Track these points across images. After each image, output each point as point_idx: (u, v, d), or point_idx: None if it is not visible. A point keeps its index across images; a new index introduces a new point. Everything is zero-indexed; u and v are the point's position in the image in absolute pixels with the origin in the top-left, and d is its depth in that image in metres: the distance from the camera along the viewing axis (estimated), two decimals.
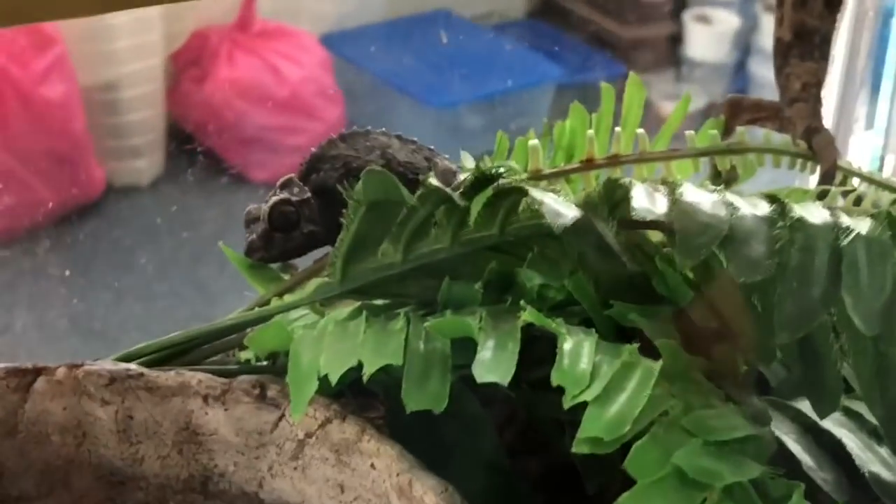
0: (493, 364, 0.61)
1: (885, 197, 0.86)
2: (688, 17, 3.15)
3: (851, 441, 0.70)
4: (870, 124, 1.11)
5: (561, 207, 0.63)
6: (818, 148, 0.87)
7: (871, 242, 0.60)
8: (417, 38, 3.13)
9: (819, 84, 0.91)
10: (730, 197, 0.63)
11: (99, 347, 2.28)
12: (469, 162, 0.79)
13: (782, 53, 0.93)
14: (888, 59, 1.09)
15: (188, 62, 2.96)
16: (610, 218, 0.66)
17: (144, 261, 2.55)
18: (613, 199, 0.66)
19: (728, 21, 3.07)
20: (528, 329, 0.63)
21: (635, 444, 0.57)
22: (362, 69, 3.02)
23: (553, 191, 0.65)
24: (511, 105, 3.00)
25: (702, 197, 0.62)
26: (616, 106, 0.89)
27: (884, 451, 0.71)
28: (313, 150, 0.81)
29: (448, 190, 0.65)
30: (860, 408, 0.72)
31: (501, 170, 0.66)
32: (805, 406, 0.72)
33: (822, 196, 0.84)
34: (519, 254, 0.69)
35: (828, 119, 1.08)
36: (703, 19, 3.13)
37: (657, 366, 0.60)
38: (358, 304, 0.70)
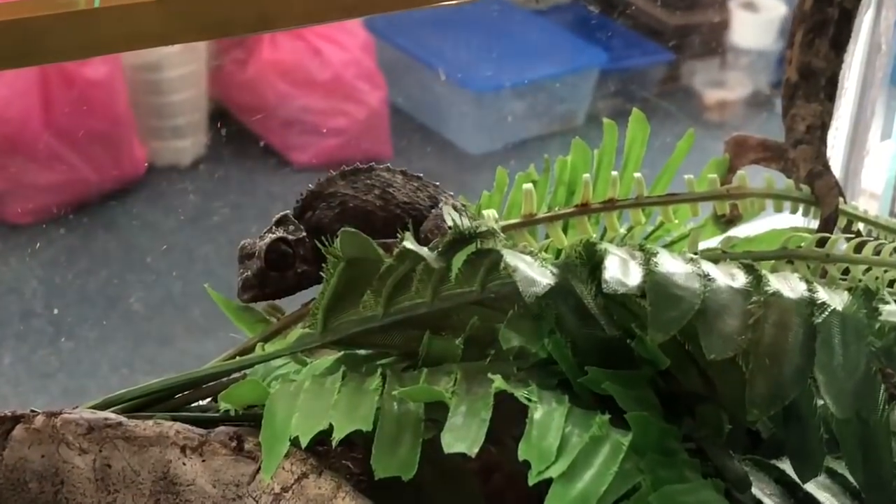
0: (463, 432, 0.60)
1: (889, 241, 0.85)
2: (734, 4, 3.11)
3: None
4: (887, 134, 1.09)
5: (535, 274, 0.62)
6: (820, 193, 0.86)
7: (847, 319, 0.59)
8: (462, 21, 3.11)
9: (824, 126, 0.90)
10: (705, 267, 0.62)
11: (129, 329, 2.30)
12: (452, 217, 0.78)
13: (789, 94, 0.92)
14: None
15: (231, 43, 2.97)
16: (589, 280, 0.65)
17: (185, 239, 2.56)
18: (593, 261, 0.65)
19: (774, 8, 3.03)
20: None
21: None
22: (405, 52, 3.01)
23: (530, 253, 0.65)
24: (554, 90, 2.98)
25: (676, 267, 0.61)
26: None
27: None
28: (310, 186, 0.80)
29: (424, 252, 0.65)
30: (844, 470, 0.71)
31: (479, 229, 0.65)
32: (790, 466, 0.71)
33: (821, 242, 0.83)
34: (501, 308, 0.68)
35: (844, 128, 1.07)
36: (750, 6, 3.09)
37: (627, 439, 0.60)
38: (339, 354, 0.70)
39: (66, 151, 2.63)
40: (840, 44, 0.91)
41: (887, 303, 0.60)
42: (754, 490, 0.68)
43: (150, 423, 0.69)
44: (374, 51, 2.94)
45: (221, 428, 0.69)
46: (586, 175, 0.82)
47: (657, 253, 0.62)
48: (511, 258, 0.63)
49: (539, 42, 3.07)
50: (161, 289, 2.44)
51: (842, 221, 0.87)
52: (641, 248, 0.63)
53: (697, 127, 0.88)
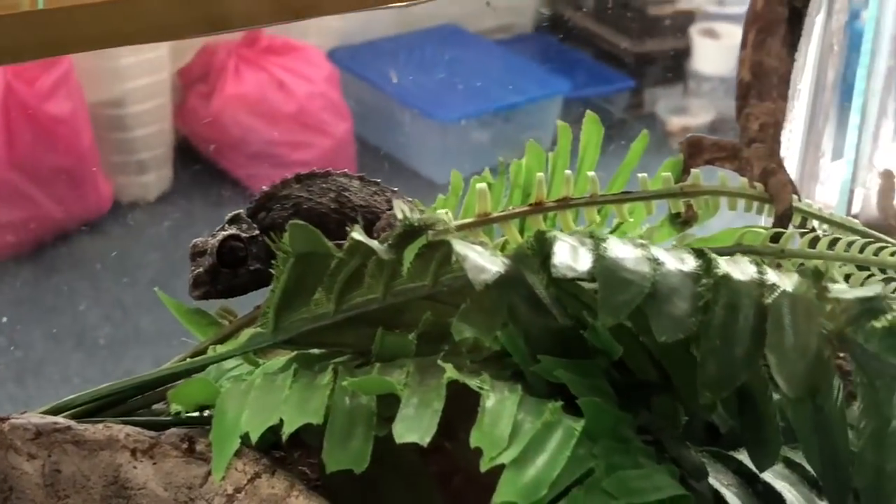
0: (415, 422, 0.60)
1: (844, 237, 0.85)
2: (695, 31, 3.14)
3: (791, 493, 0.69)
4: (838, 155, 1.10)
5: (484, 262, 0.62)
6: (774, 190, 0.86)
7: (797, 299, 0.59)
8: (425, 52, 3.12)
9: (777, 125, 0.90)
10: (655, 252, 0.62)
11: (104, 358, 2.29)
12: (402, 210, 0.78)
13: (742, 94, 0.92)
14: (855, 90, 1.08)
15: (195, 77, 2.96)
16: (541, 270, 0.65)
17: (152, 274, 2.55)
18: (544, 251, 0.65)
19: (735, 35, 3.04)
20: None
21: None
22: (370, 84, 3.02)
23: (481, 243, 0.64)
24: (518, 119, 2.99)
25: (626, 252, 0.61)
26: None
27: None
28: (265, 188, 0.80)
29: (373, 244, 0.64)
30: (802, 459, 0.71)
31: (430, 221, 0.65)
32: (748, 456, 0.71)
33: (776, 238, 0.83)
34: (454, 303, 0.68)
35: (795, 150, 1.08)
36: (710, 33, 3.11)
37: (579, 425, 0.59)
38: (291, 354, 0.69)
39: (30, 188, 2.61)
40: (791, 43, 0.92)
41: (836, 282, 0.60)
42: (711, 480, 0.68)
43: (100, 426, 0.68)
44: (339, 82, 2.94)
45: (172, 430, 0.68)
46: (540, 174, 0.82)
47: (606, 238, 0.62)
48: (461, 247, 0.62)
49: (502, 71, 3.08)
50: (129, 324, 2.43)
51: (796, 219, 0.87)
52: (591, 235, 0.63)
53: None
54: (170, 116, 2.89)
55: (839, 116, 1.09)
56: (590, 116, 0.88)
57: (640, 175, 0.85)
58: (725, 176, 0.87)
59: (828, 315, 0.61)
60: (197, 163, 2.90)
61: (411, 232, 0.65)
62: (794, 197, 0.87)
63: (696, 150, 0.91)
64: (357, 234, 0.64)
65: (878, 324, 0.61)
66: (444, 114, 2.90)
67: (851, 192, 1.11)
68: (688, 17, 3.20)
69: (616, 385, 0.66)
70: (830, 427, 0.65)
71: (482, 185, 0.81)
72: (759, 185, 0.88)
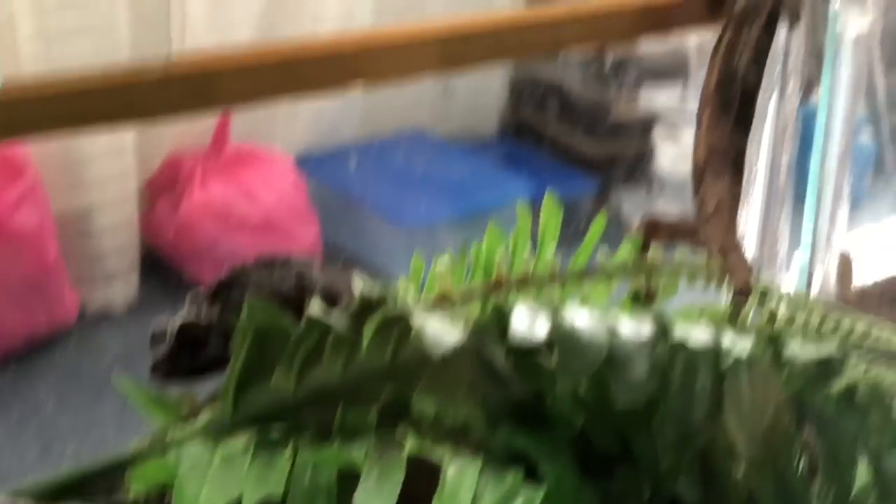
0: (376, 494, 0.60)
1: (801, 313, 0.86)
2: (657, 134, 3.18)
3: None
4: (795, 238, 1.12)
5: (442, 334, 0.62)
6: (731, 267, 0.87)
7: (753, 363, 0.60)
8: (391, 157, 3.15)
9: (733, 203, 0.91)
10: (611, 318, 0.62)
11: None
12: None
13: (698, 174, 0.94)
14: (810, 173, 1.09)
15: (162, 187, 2.97)
16: (500, 341, 0.65)
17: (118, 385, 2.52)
18: (503, 322, 0.65)
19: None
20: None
21: None
22: (336, 190, 3.04)
23: (439, 317, 0.65)
24: (485, 223, 3.01)
25: (583, 320, 0.61)
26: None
27: None
28: (224, 272, 0.80)
29: (331, 320, 0.64)
30: None
31: (388, 295, 0.65)
32: None
33: (734, 314, 0.84)
34: (413, 379, 0.68)
35: (752, 234, 1.09)
36: (673, 136, 3.15)
37: (540, 493, 0.59)
38: (250, 435, 0.69)
39: None
40: (744, 122, 0.94)
41: (790, 346, 0.61)
42: None
43: None
44: (305, 189, 2.96)
45: None
46: (500, 252, 0.82)
47: (564, 307, 0.62)
48: (419, 319, 0.63)
49: (468, 175, 3.10)
50: (95, 435, 2.40)
51: (754, 297, 0.88)
52: (549, 305, 0.63)
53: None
54: (136, 227, 2.90)
55: (795, 199, 1.11)
56: (548, 198, 0.89)
57: (600, 252, 0.85)
58: (684, 253, 0.88)
59: (784, 380, 0.62)
60: (164, 272, 2.90)
61: (369, 307, 0.65)
62: (752, 274, 0.88)
63: (653, 231, 0.92)
64: (315, 310, 0.64)
65: (834, 387, 0.61)
66: (410, 218, 2.91)
67: (810, 275, 1.12)
68: (650, 120, 3.24)
69: (578, 457, 0.66)
70: (792, 492, 0.65)
71: (443, 264, 0.81)
72: (716, 263, 0.88)
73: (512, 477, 0.59)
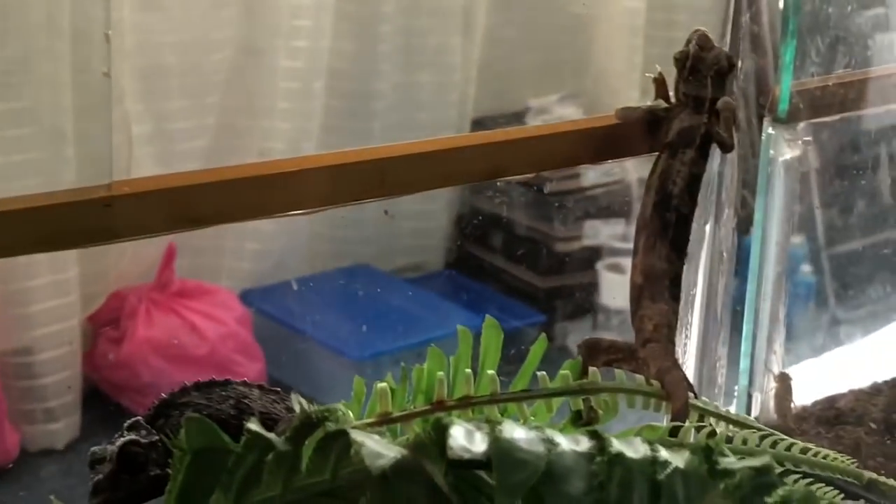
0: None
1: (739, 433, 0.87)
2: (601, 266, 3.21)
3: None
4: (734, 360, 1.13)
5: (381, 449, 0.62)
6: (670, 387, 0.88)
7: (689, 475, 0.60)
8: (337, 291, 3.16)
9: (671, 325, 0.93)
10: (549, 433, 0.62)
11: None
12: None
13: (636, 297, 0.95)
14: (747, 297, 1.11)
15: (105, 322, 2.96)
16: (439, 458, 0.65)
17: None
18: (441, 439, 0.65)
19: None
20: None
21: None
22: (282, 324, 3.03)
23: (378, 433, 0.65)
24: None
25: (521, 434, 0.62)
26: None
27: None
28: (164, 395, 0.81)
29: (271, 436, 0.64)
30: None
31: (328, 413, 0.65)
32: None
33: (673, 433, 0.84)
34: (353, 499, 0.68)
35: (691, 358, 1.10)
36: (616, 268, 3.18)
37: None
38: None
39: None
40: (679, 246, 0.96)
41: (726, 456, 0.61)
42: None
43: None
44: (251, 323, 2.95)
45: None
46: (441, 373, 0.83)
47: (502, 422, 0.63)
48: (359, 436, 0.63)
49: (414, 308, 3.11)
50: None
51: (693, 416, 0.89)
52: (487, 420, 0.64)
53: None
54: (79, 363, 2.87)
55: (732, 323, 1.12)
56: (489, 321, 0.91)
57: (539, 373, 0.86)
58: (622, 375, 0.89)
59: (721, 493, 0.62)
60: (106, 409, 2.87)
61: (309, 424, 0.65)
62: (691, 395, 0.89)
63: (593, 352, 0.93)
64: (254, 427, 0.64)
65: (770, 500, 0.62)
66: (356, 352, 2.91)
67: (749, 396, 1.13)
68: (594, 253, 3.28)
69: None
70: None
71: (383, 385, 0.82)
72: (655, 384, 0.89)
73: None
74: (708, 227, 1.07)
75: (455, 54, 3.26)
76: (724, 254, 1.07)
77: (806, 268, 2.26)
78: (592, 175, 3.27)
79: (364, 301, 3.14)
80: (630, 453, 0.62)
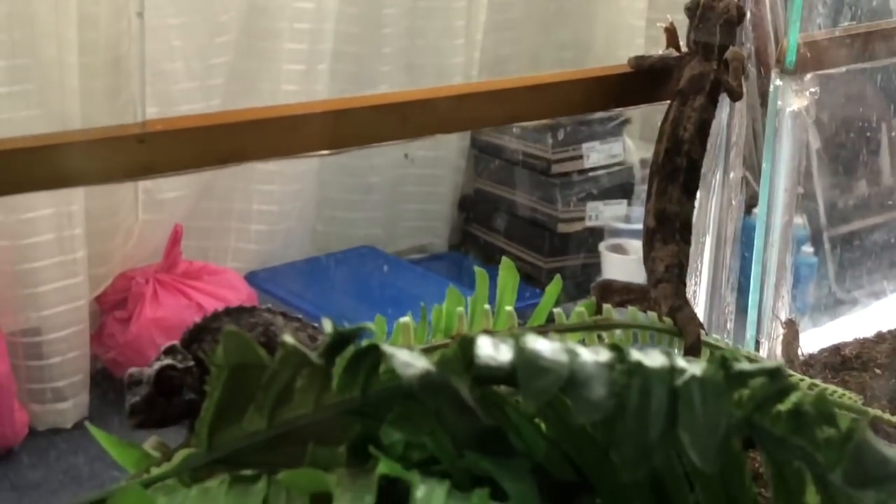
0: None
1: None
2: (603, 247, 3.24)
3: None
4: (742, 307, 1.15)
5: (411, 359, 0.65)
6: (682, 324, 0.91)
7: (706, 382, 0.63)
8: (342, 272, 3.18)
9: (681, 265, 0.95)
10: (571, 345, 0.65)
11: None
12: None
13: (648, 239, 0.98)
14: (755, 244, 1.13)
15: (113, 303, 2.98)
16: (465, 373, 0.68)
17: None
18: (468, 356, 0.68)
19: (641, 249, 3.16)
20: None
21: None
22: (288, 304, 3.06)
23: (408, 348, 0.67)
24: None
25: (544, 345, 0.64)
26: None
27: None
28: (197, 321, 0.83)
29: (305, 351, 0.67)
30: None
31: (359, 329, 0.68)
32: None
33: None
34: (381, 416, 0.70)
35: (701, 304, 1.13)
36: (619, 249, 3.21)
37: None
38: (224, 476, 0.71)
39: None
40: (690, 189, 0.98)
41: (740, 361, 0.64)
42: None
43: None
44: (257, 303, 2.97)
45: None
46: (460, 309, 0.85)
47: (526, 335, 0.66)
48: (389, 349, 0.66)
49: (418, 289, 3.14)
50: None
51: (705, 353, 0.92)
52: (511, 335, 0.66)
53: None
54: (87, 343, 2.90)
55: (741, 270, 1.14)
56: (505, 262, 0.93)
57: (556, 310, 0.89)
58: (636, 312, 0.92)
59: (735, 403, 0.65)
60: (114, 388, 2.89)
61: (341, 341, 0.68)
62: (702, 332, 0.91)
63: (607, 292, 0.96)
64: (290, 341, 0.67)
65: (783, 406, 0.64)
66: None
67: (757, 342, 1.16)
68: (597, 234, 3.31)
69: (539, 489, 0.69)
70: None
71: (405, 319, 0.84)
72: (668, 321, 0.92)
73: (478, 493, 0.62)
74: (717, 176, 1.09)
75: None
76: (733, 201, 1.09)
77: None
78: (595, 157, 3.29)
79: (369, 282, 3.16)
80: (649, 362, 0.64)
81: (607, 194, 3.32)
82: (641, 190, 3.25)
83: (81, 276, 2.84)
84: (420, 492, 0.62)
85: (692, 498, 0.70)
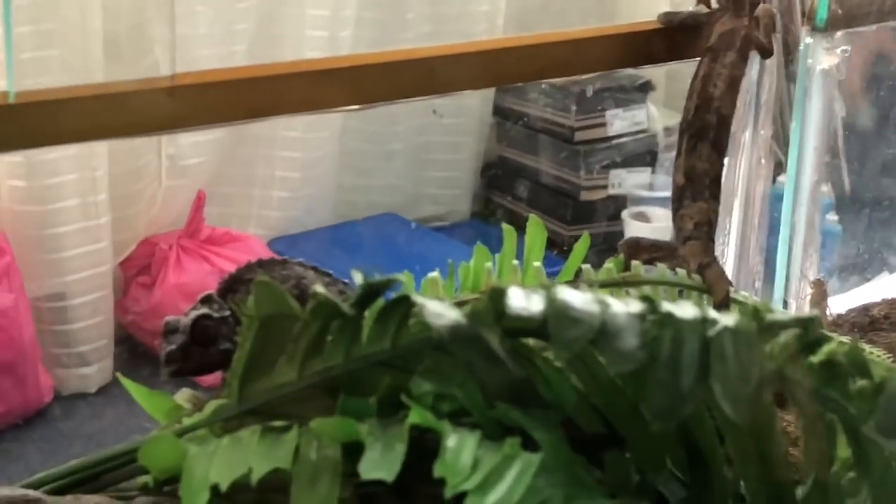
0: (380, 461, 0.62)
1: None
2: (626, 215, 3.23)
3: None
4: (770, 266, 1.15)
5: (442, 310, 0.65)
6: (710, 281, 0.91)
7: (738, 333, 0.63)
8: (364, 239, 3.18)
9: (710, 223, 0.95)
10: (602, 296, 0.65)
11: None
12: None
13: (677, 196, 0.97)
14: (784, 203, 1.12)
15: (137, 269, 3.00)
16: (495, 324, 0.68)
17: None
18: (498, 308, 0.68)
19: (664, 217, 3.15)
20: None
21: None
22: None
23: (439, 299, 0.67)
24: None
25: (575, 296, 0.64)
26: None
27: None
28: (232, 272, 0.83)
29: (336, 301, 0.67)
30: None
31: (389, 281, 0.68)
32: None
33: None
34: (412, 368, 0.70)
35: (729, 263, 1.12)
36: (641, 216, 3.21)
37: (537, 458, 0.62)
38: (256, 427, 0.71)
39: None
40: (720, 147, 0.98)
41: (773, 312, 0.64)
42: None
43: (69, 497, 0.69)
44: None
45: (141, 498, 0.69)
46: (488, 264, 0.85)
47: (556, 287, 0.66)
48: (420, 299, 0.66)
49: (441, 257, 3.13)
50: None
51: (734, 310, 0.91)
52: (542, 286, 0.66)
53: None
54: (111, 308, 2.91)
55: (770, 227, 1.14)
56: (533, 219, 0.93)
57: (584, 266, 0.89)
58: (664, 269, 0.91)
59: (767, 355, 0.65)
60: (138, 353, 2.91)
61: (371, 292, 0.68)
62: (730, 287, 0.91)
63: (635, 251, 0.96)
64: (321, 291, 0.67)
65: (815, 358, 0.64)
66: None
67: (785, 302, 1.15)
68: (620, 202, 3.30)
69: (568, 441, 0.69)
70: (771, 460, 0.67)
71: (433, 275, 0.84)
72: (696, 278, 0.92)
73: (510, 442, 0.62)
74: (747, 135, 1.09)
75: None
76: (763, 160, 1.09)
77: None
78: (618, 124, 3.28)
79: (391, 249, 3.16)
80: (680, 313, 0.64)
81: (630, 162, 3.30)
82: (665, 158, 3.24)
83: (106, 242, 2.85)
84: (451, 441, 0.62)
85: (722, 451, 0.70)
